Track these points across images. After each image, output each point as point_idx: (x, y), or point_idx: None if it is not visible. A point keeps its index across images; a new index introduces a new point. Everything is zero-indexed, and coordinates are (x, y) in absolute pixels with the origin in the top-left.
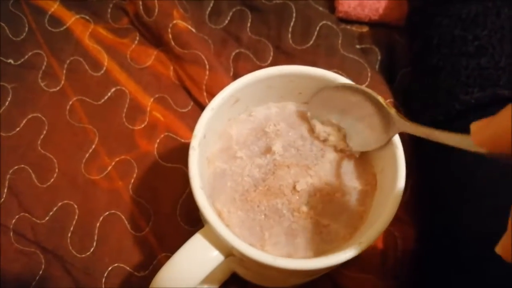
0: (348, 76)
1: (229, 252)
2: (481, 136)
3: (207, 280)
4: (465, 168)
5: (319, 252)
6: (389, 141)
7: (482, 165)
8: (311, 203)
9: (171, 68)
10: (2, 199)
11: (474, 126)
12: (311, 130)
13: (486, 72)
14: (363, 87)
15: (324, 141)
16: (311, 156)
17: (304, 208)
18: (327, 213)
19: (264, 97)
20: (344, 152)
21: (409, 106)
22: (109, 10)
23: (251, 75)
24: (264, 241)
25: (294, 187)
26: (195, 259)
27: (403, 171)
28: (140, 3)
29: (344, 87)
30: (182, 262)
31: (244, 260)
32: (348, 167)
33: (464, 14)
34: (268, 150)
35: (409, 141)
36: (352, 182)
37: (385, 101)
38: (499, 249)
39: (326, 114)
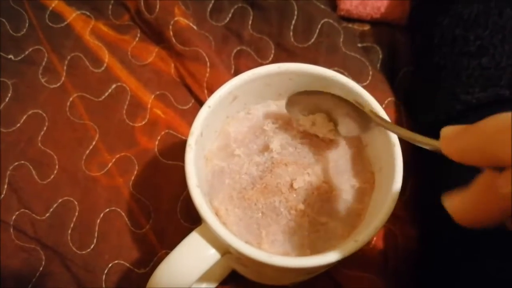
0: (349, 74)
1: (226, 250)
2: (449, 147)
3: (205, 277)
4: (465, 167)
5: (316, 250)
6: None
7: None
8: (308, 201)
9: (172, 65)
10: (2, 195)
11: (445, 132)
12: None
13: (487, 72)
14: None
15: (311, 127)
16: (309, 154)
17: (302, 206)
18: (325, 211)
19: (262, 95)
20: (327, 141)
21: (410, 105)
22: (110, 7)
23: (249, 73)
24: (261, 239)
25: (292, 185)
26: (191, 257)
27: (401, 169)
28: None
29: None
30: (178, 261)
31: (241, 258)
32: (346, 165)
33: (465, 14)
34: (266, 148)
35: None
36: (350, 180)
37: (357, 102)
38: (448, 202)
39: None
